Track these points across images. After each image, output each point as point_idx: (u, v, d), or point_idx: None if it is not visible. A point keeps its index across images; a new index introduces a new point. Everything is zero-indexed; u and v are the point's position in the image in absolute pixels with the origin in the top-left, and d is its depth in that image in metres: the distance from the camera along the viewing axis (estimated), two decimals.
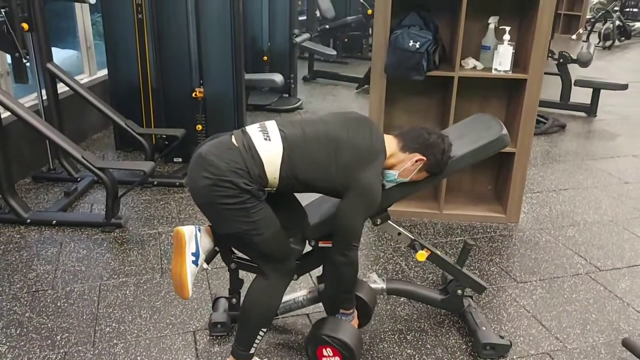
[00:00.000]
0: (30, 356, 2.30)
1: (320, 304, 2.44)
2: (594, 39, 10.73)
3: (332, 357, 2.15)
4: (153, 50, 4.21)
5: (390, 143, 2.12)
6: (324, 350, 2.15)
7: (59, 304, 2.64)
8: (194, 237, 2.05)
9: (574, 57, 5.88)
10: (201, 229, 2.11)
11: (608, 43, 10.56)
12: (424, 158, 2.10)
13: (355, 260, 2.07)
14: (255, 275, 2.14)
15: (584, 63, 5.89)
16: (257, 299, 2.08)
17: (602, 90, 6.02)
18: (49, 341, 2.39)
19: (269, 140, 1.95)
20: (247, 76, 4.92)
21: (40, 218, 3.40)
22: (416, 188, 2.25)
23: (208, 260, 2.17)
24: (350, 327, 2.20)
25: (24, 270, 2.92)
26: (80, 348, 2.35)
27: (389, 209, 2.30)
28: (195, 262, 2.03)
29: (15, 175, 3.77)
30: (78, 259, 3.03)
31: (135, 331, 2.47)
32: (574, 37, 11.20)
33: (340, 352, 2.13)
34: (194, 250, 2.03)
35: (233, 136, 1.97)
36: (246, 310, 2.10)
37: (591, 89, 6.02)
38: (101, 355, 2.32)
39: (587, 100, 6.07)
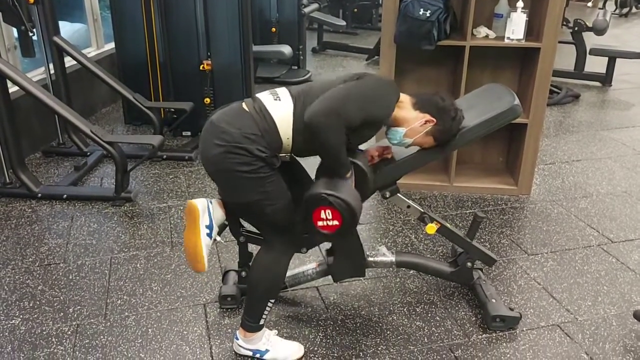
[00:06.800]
0: (43, 328, 2.33)
1: (329, 277, 2.44)
2: (610, 6, 10.45)
3: (330, 220, 1.87)
4: (160, 23, 4.17)
5: (404, 97, 2.11)
6: (322, 212, 1.86)
7: (70, 277, 2.67)
8: (207, 209, 2.04)
9: (589, 25, 5.74)
10: (213, 201, 2.10)
11: (625, 10, 10.31)
12: (434, 120, 2.07)
13: (329, 131, 1.83)
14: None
15: (600, 31, 5.75)
16: (262, 270, 2.09)
17: (617, 59, 5.89)
18: (62, 313, 2.42)
19: (279, 100, 1.96)
20: (255, 48, 4.86)
21: (50, 192, 3.42)
22: (424, 161, 2.22)
23: (219, 232, 2.16)
24: (352, 189, 1.94)
25: (36, 244, 2.95)
26: (92, 320, 2.38)
27: (398, 181, 2.27)
28: (209, 235, 2.02)
29: (25, 149, 3.79)
30: (89, 233, 3.05)
31: (146, 304, 2.49)
32: (589, 4, 10.94)
33: (341, 213, 1.84)
34: (207, 223, 2.02)
35: (244, 103, 1.98)
36: (252, 281, 2.11)
37: (606, 58, 5.89)
38: (113, 327, 2.34)
39: (602, 69, 5.95)
